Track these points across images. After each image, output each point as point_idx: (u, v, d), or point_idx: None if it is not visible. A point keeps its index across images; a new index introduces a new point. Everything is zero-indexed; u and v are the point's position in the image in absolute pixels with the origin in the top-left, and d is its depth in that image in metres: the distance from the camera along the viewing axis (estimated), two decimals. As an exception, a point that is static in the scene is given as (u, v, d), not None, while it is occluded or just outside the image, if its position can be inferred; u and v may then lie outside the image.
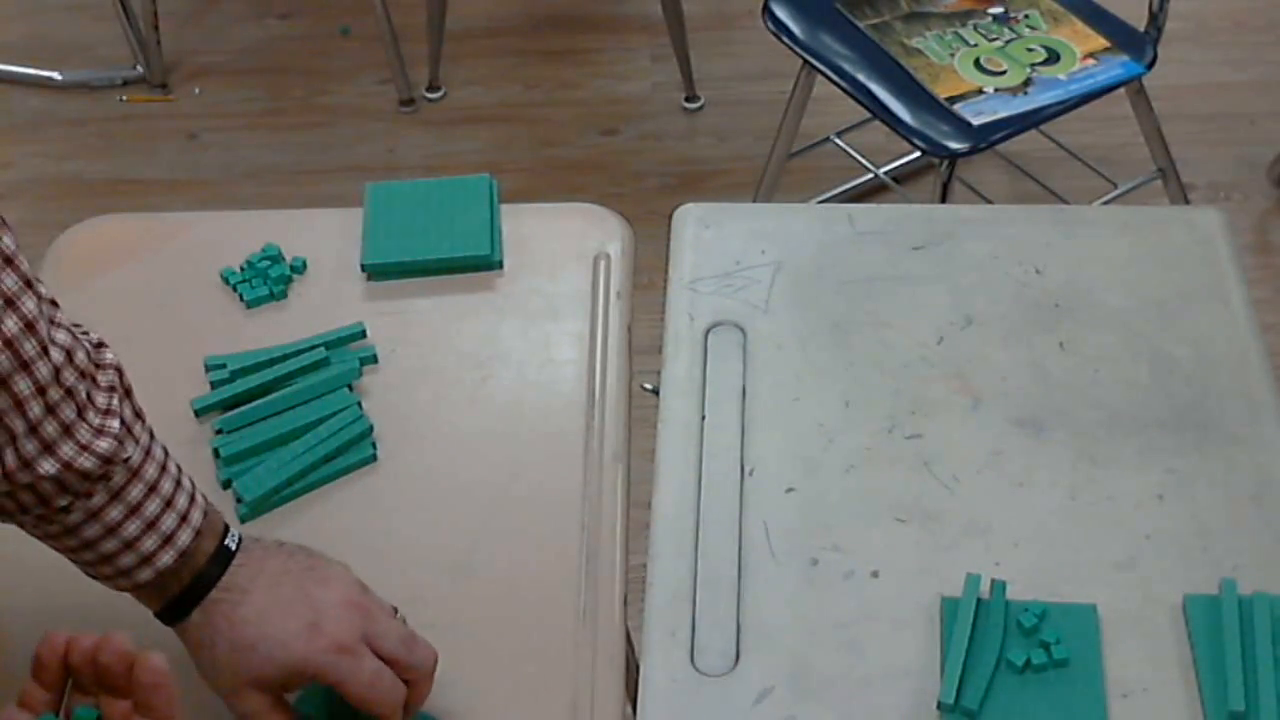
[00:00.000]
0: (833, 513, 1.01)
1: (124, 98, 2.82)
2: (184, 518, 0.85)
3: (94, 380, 0.82)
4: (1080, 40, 2.00)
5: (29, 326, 0.77)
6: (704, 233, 1.20)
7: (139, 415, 0.85)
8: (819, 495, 1.02)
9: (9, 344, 0.76)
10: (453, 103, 2.79)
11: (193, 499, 0.86)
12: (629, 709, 0.93)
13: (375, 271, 1.18)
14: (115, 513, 0.82)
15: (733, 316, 1.14)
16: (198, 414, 1.08)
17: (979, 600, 0.93)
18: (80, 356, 0.81)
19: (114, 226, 1.26)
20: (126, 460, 0.82)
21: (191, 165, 2.69)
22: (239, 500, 1.02)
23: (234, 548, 0.86)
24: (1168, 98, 2.29)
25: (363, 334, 1.13)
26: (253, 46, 2.94)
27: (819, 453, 1.04)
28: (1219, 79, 2.73)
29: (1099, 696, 0.90)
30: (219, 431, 1.06)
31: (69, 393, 0.80)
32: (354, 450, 1.05)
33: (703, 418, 1.07)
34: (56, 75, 2.84)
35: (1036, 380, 1.08)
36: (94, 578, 0.86)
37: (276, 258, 1.19)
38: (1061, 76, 1.95)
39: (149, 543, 0.83)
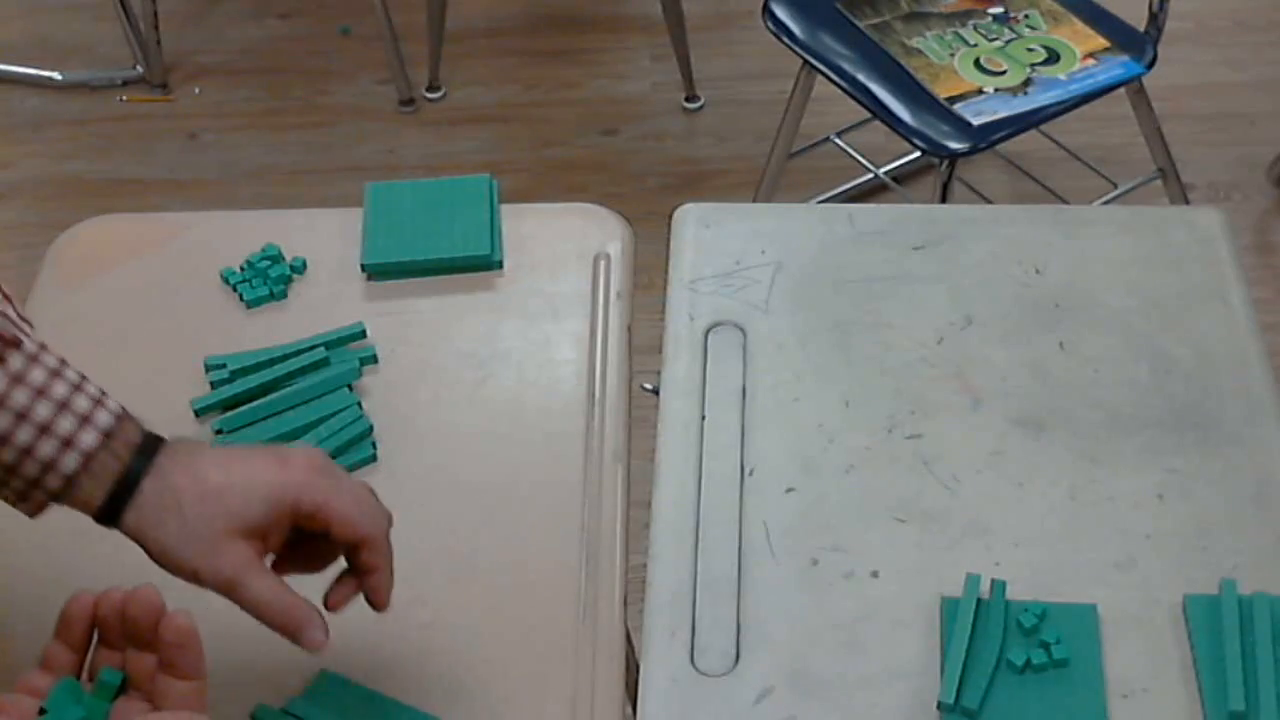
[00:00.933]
0: (833, 513, 1.01)
1: (124, 98, 2.82)
2: (98, 402, 0.79)
3: None
4: (1080, 40, 2.00)
5: None
6: (704, 233, 1.20)
7: (27, 320, 0.81)
8: (819, 495, 1.02)
9: None
10: (453, 103, 2.79)
11: (104, 393, 0.80)
12: (629, 709, 0.93)
13: (375, 271, 1.18)
14: (21, 396, 0.77)
15: (733, 316, 1.14)
16: (198, 414, 1.08)
17: (979, 600, 0.93)
18: None
19: (114, 226, 1.26)
20: (20, 345, 0.78)
21: (191, 165, 2.69)
22: (239, 500, 1.02)
23: (160, 436, 0.81)
24: (1168, 98, 2.28)
25: (363, 334, 1.13)
26: (253, 46, 2.94)
27: (819, 453, 1.04)
28: (1219, 79, 2.72)
29: (1099, 696, 0.90)
30: (219, 431, 1.06)
31: None
32: (354, 450, 1.05)
33: (703, 418, 1.07)
34: (56, 75, 2.84)
35: (1036, 380, 1.08)
36: (20, 497, 0.79)
37: (276, 258, 1.19)
38: (1061, 76, 1.95)
39: (65, 423, 0.77)
